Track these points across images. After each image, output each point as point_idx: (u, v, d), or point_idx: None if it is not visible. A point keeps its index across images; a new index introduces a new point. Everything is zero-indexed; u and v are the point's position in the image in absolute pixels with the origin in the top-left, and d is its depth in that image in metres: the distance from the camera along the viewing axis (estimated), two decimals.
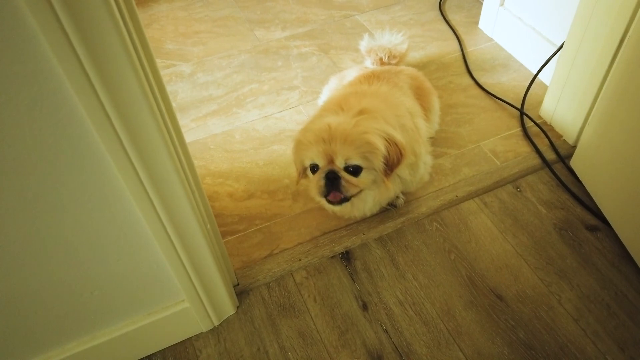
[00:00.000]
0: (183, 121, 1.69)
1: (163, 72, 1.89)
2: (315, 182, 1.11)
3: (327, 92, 1.54)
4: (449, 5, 2.10)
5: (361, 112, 1.12)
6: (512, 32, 1.79)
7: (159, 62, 1.94)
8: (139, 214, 0.83)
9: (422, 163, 1.27)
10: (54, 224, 0.78)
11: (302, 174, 1.19)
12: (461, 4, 2.10)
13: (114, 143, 0.71)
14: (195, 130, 1.65)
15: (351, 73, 1.48)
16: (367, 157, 1.07)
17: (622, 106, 1.19)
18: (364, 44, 1.65)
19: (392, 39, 1.61)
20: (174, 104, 1.74)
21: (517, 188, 1.40)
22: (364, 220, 1.34)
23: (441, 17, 2.03)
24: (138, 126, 0.71)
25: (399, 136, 1.11)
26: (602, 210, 1.30)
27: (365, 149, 1.06)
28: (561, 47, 1.47)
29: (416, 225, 1.34)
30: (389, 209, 1.35)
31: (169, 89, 1.82)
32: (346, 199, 1.12)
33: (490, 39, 1.90)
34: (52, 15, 0.56)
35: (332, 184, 1.09)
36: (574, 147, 1.45)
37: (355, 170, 1.09)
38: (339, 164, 1.08)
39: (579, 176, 1.38)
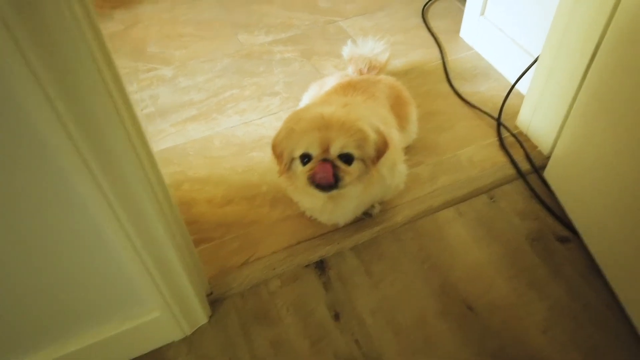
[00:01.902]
0: (162, 126, 1.68)
1: (144, 76, 1.89)
2: (305, 172, 1.10)
3: (307, 99, 1.55)
4: (432, 13, 2.11)
5: (346, 105, 1.15)
6: (492, 41, 1.81)
7: (141, 65, 1.93)
8: (103, 224, 0.83)
9: (397, 172, 1.28)
10: (10, 233, 0.78)
11: (288, 166, 1.16)
12: (444, 12, 2.11)
13: (69, 149, 0.70)
14: (175, 135, 1.65)
15: (330, 81, 1.49)
16: (360, 145, 1.09)
17: (592, 120, 1.21)
18: (347, 50, 1.65)
19: (375, 46, 1.61)
20: (153, 109, 1.75)
21: (492, 198, 1.42)
22: (340, 229, 1.35)
23: (424, 25, 2.04)
24: (96, 131, 0.70)
25: (381, 125, 1.14)
26: (573, 222, 1.32)
27: (358, 137, 1.08)
28: (537, 59, 1.48)
29: (391, 235, 1.35)
30: (365, 218, 1.36)
31: (149, 92, 1.81)
32: (336, 185, 1.10)
33: (471, 48, 1.92)
34: None
35: None
36: (548, 158, 1.46)
37: (347, 159, 1.10)
38: (334, 152, 1.08)
39: (551, 187, 1.40)
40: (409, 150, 1.51)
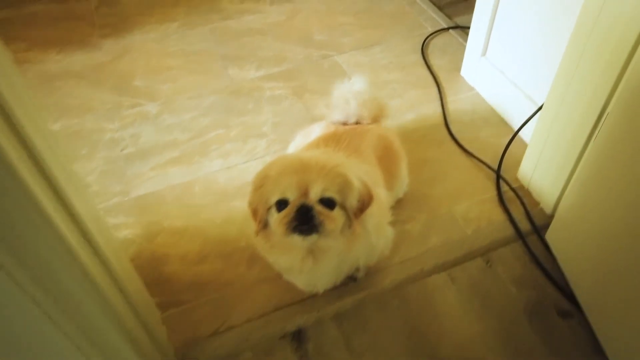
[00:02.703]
0: (142, 169, 1.60)
1: (127, 112, 1.80)
2: (281, 219, 0.98)
3: (293, 149, 1.45)
4: (432, 49, 2.01)
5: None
6: (494, 84, 1.71)
7: (125, 101, 1.85)
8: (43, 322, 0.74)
9: (382, 237, 1.18)
10: None
11: (264, 221, 1.03)
12: (444, 47, 2.01)
13: None
14: (153, 180, 1.56)
15: (316, 130, 1.39)
16: (342, 191, 0.98)
17: (601, 179, 1.09)
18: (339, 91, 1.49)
19: (356, 86, 1.43)
20: (133, 149, 1.67)
21: (488, 262, 1.30)
22: (321, 294, 1.24)
23: (423, 62, 1.94)
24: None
25: (364, 176, 1.04)
26: (575, 294, 1.20)
27: (340, 181, 0.98)
28: (541, 107, 1.38)
29: (377, 302, 1.24)
30: (348, 283, 1.26)
31: (131, 131, 1.73)
32: (317, 229, 0.98)
33: (472, 88, 1.81)
34: None
35: (304, 219, 0.96)
36: (551, 217, 1.35)
37: (329, 204, 0.98)
38: (314, 195, 0.96)
39: (553, 252, 1.29)
40: (398, 203, 1.41)
